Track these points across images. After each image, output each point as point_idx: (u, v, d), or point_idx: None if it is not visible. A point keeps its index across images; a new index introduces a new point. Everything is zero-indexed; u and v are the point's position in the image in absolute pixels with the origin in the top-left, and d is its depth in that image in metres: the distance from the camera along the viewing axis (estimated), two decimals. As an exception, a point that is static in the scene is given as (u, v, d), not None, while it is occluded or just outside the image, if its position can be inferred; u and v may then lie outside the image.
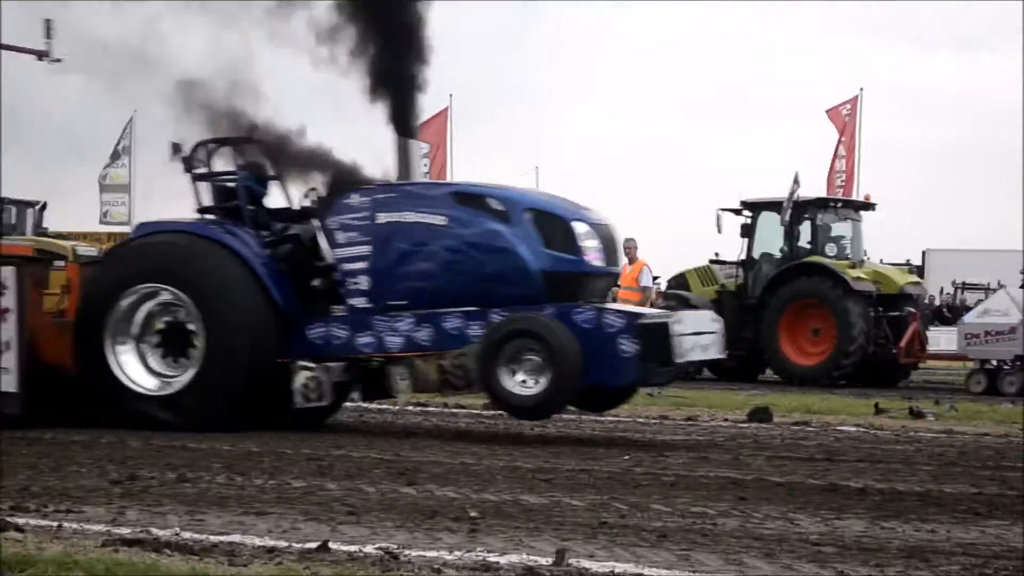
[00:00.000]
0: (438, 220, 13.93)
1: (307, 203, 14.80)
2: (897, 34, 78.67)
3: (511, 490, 10.13)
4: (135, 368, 14.24)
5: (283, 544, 7.70)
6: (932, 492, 10.44)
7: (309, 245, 14.51)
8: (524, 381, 13.19)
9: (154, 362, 14.27)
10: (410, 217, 14.03)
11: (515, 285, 13.70)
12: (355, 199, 14.22)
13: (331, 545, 7.61)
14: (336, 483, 10.34)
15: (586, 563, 7.26)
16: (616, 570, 7.15)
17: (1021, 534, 8.56)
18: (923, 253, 42.48)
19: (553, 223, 13.87)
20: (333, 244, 14.29)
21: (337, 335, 14.05)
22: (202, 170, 14.85)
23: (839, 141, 35.23)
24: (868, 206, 27.84)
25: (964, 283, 36.47)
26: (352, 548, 7.60)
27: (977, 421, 15.77)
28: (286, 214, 14.91)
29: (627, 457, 12.39)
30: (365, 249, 14.12)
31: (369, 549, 7.57)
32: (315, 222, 14.53)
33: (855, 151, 35.21)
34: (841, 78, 75.76)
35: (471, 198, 14.10)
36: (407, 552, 7.49)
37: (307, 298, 14.23)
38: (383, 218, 14.11)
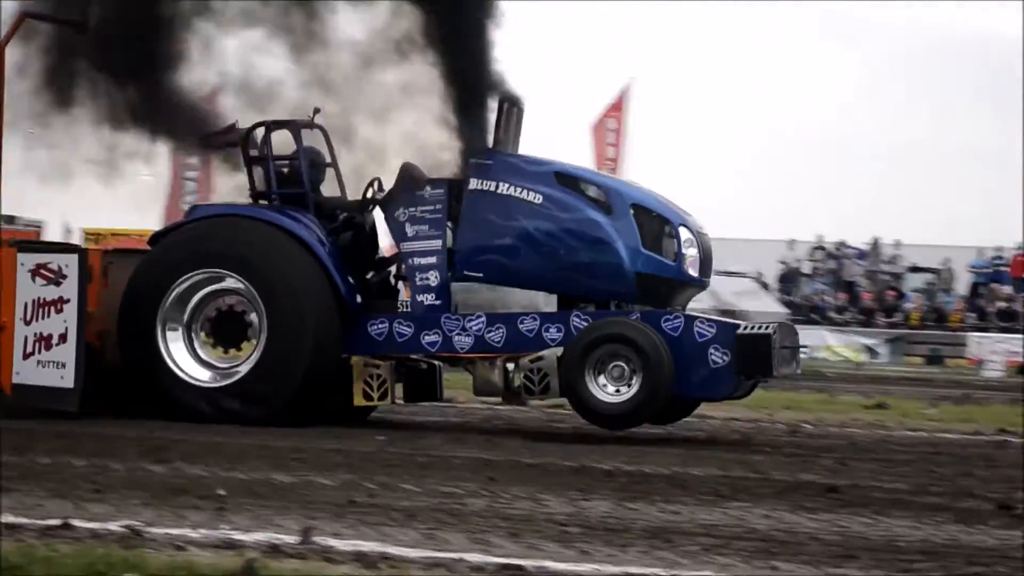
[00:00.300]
0: (533, 197, 13.35)
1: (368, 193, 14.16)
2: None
3: (261, 469, 10.05)
4: (186, 359, 13.55)
5: (25, 521, 7.50)
6: (679, 474, 10.66)
7: (369, 237, 14.17)
8: (612, 388, 12.70)
9: (204, 353, 13.62)
10: (504, 189, 13.41)
11: (605, 281, 13.22)
12: (429, 192, 13.60)
13: (74, 522, 7.44)
14: (84, 460, 10.13)
15: (332, 541, 7.22)
16: (361, 548, 7.13)
17: (762, 515, 8.79)
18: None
19: (657, 224, 13.36)
20: (401, 237, 13.68)
21: (401, 332, 13.38)
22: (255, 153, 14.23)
23: (604, 127, 35.52)
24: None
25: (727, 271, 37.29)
26: (95, 525, 7.44)
27: (729, 405, 16.15)
28: (344, 203, 14.29)
29: (382, 438, 12.39)
30: (436, 244, 13.50)
31: (112, 526, 7.41)
32: (377, 213, 14.01)
33: (621, 138, 35.53)
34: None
35: (573, 181, 13.55)
36: (151, 529, 7.36)
37: (362, 292, 13.71)
38: (474, 184, 13.50)
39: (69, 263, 13.05)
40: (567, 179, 13.43)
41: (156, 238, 14.21)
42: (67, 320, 12.96)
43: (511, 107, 13.67)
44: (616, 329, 12.73)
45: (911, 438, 14.66)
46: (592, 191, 13.37)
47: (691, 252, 13.28)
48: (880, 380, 27.92)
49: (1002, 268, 39.21)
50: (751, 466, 11.20)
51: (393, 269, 14.24)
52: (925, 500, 9.66)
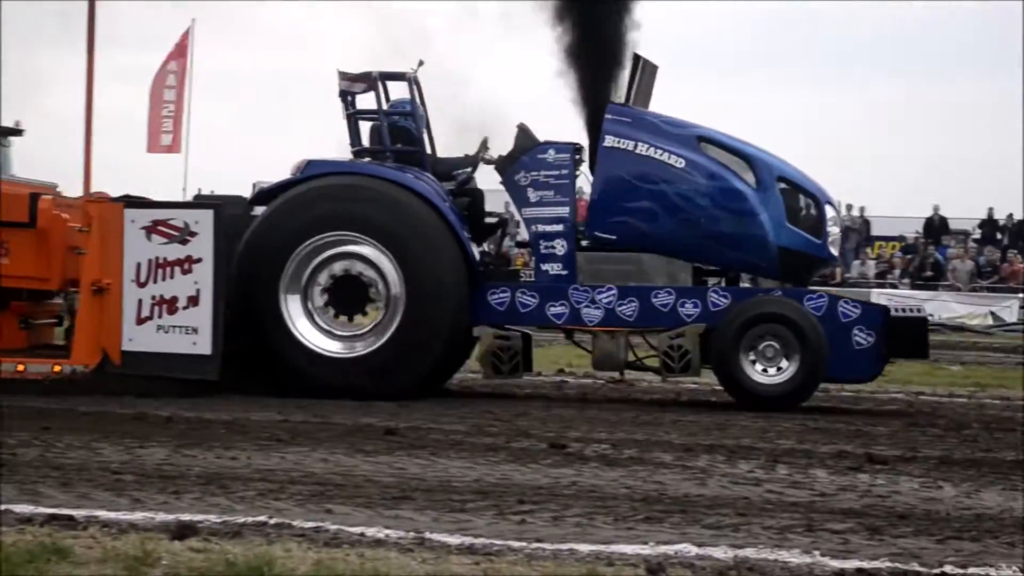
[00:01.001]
0: (675, 161, 12.57)
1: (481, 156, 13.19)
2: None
3: None
4: (310, 329, 12.36)
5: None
6: (239, 420, 10.55)
7: (481, 202, 13.21)
8: (762, 368, 12.15)
9: (323, 321, 12.41)
10: (642, 149, 12.60)
11: (747, 253, 12.65)
12: (553, 155, 12.70)
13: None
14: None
15: None
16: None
17: (320, 459, 8.80)
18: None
19: (802, 199, 12.84)
20: (523, 202, 12.80)
21: (524, 302, 12.54)
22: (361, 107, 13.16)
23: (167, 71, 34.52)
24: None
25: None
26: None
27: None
28: (458, 162, 13.29)
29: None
30: (563, 211, 12.67)
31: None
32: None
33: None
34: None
35: (720, 148, 12.81)
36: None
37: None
38: (610, 141, 12.62)
39: (200, 219, 11.86)
40: (712, 144, 12.85)
41: (264, 197, 13.07)
42: (198, 281, 11.77)
43: (646, 64, 13.03)
44: (774, 308, 12.26)
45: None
46: (740, 160, 12.78)
47: (834, 231, 13.00)
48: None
49: None
50: (311, 410, 11.18)
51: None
52: (481, 441, 9.86)
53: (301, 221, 12.40)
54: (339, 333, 12.42)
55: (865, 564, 6.28)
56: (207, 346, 11.75)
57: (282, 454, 8.99)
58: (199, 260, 11.78)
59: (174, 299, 11.78)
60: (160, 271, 11.79)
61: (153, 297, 11.80)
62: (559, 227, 12.64)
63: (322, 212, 12.38)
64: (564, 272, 12.65)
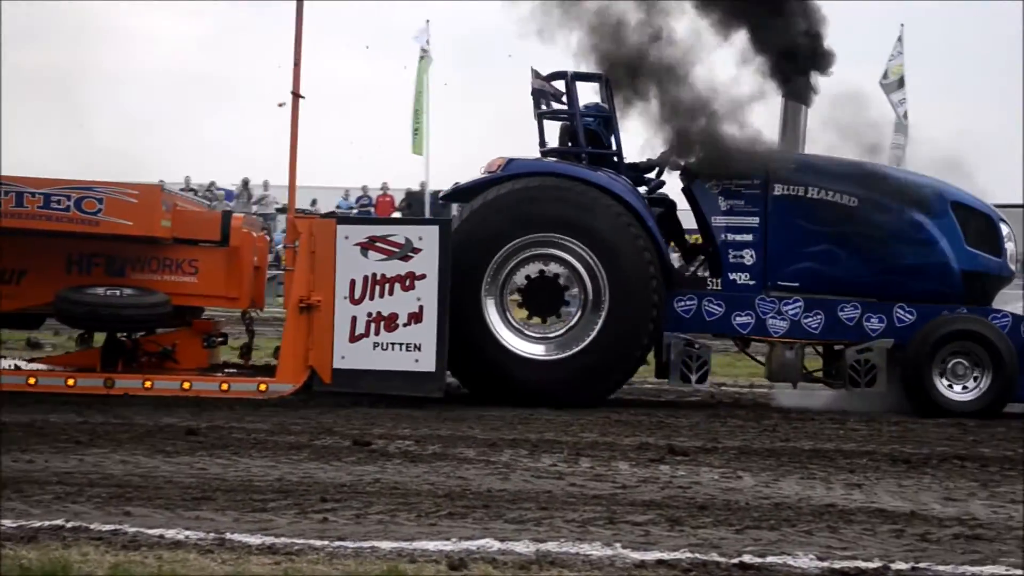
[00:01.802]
0: (847, 200, 12.41)
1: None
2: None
3: None
4: (508, 333, 12.17)
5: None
6: (38, 422, 10.30)
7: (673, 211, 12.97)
8: (954, 386, 12.14)
9: (517, 323, 12.23)
10: (813, 192, 12.44)
11: (931, 281, 12.47)
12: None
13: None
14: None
15: None
16: None
17: (119, 461, 8.64)
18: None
19: (978, 220, 12.67)
20: (712, 210, 12.52)
21: (711, 311, 12.36)
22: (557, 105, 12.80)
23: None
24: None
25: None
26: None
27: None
28: (650, 165, 13.11)
29: None
30: (753, 220, 12.45)
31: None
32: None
33: None
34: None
35: (885, 181, 12.57)
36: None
37: None
38: (779, 190, 12.43)
39: (424, 235, 11.61)
40: (879, 179, 12.70)
41: (457, 195, 12.92)
42: (421, 297, 11.50)
43: (796, 104, 12.94)
44: (968, 326, 12.22)
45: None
46: (911, 191, 12.65)
47: (1010, 247, 12.92)
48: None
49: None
50: (111, 412, 10.96)
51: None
52: (284, 439, 9.77)
53: (505, 221, 12.28)
54: (532, 335, 12.30)
55: (665, 555, 6.38)
56: (431, 363, 11.58)
57: (81, 456, 8.81)
58: (422, 276, 11.63)
59: (393, 316, 11.62)
60: (378, 288, 11.64)
61: (369, 314, 11.63)
62: (748, 236, 12.65)
63: (526, 213, 12.27)
64: (752, 282, 12.65)
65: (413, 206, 32.19)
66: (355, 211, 33.43)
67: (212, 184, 38.17)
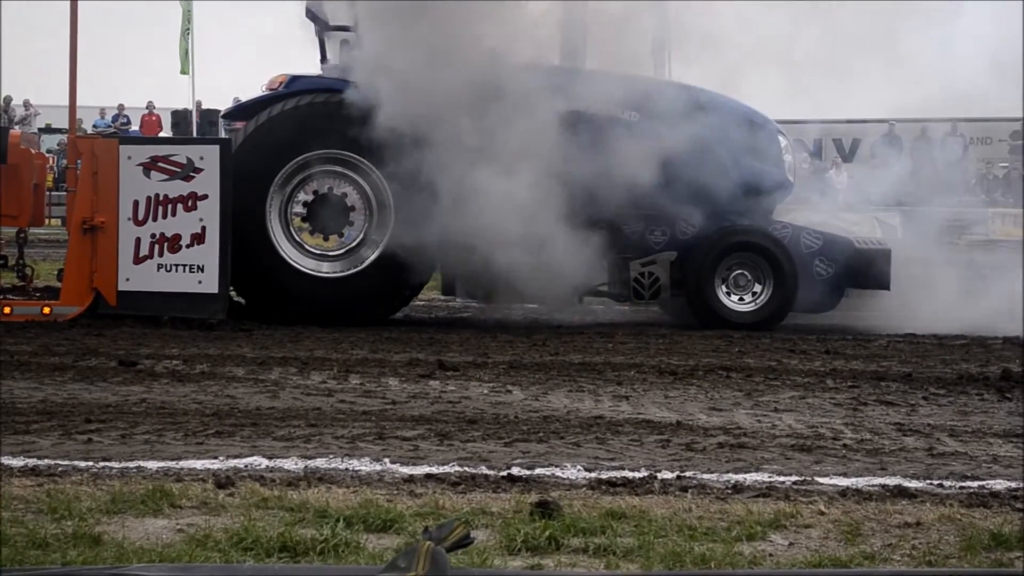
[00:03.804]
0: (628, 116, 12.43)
1: None
2: None
3: None
4: (290, 248, 12.00)
5: None
6: None
7: None
8: (737, 297, 12.25)
9: (302, 239, 11.99)
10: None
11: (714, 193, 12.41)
12: None
13: None
14: None
15: None
16: None
17: None
18: None
19: (757, 133, 12.85)
20: None
21: None
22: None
23: None
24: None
25: None
26: None
27: None
28: None
29: None
30: None
31: None
32: None
33: None
34: None
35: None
36: None
37: None
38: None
39: (205, 155, 11.18)
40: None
41: (238, 113, 12.62)
42: (204, 218, 11.09)
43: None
44: (749, 237, 12.35)
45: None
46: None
47: (788, 159, 13.18)
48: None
49: None
50: None
51: None
52: (48, 360, 9.52)
53: (289, 137, 12.03)
54: (314, 251, 12.12)
55: (434, 469, 6.39)
56: (214, 284, 11.35)
57: None
58: (204, 196, 11.31)
59: (176, 236, 11.32)
60: (160, 208, 11.30)
61: (153, 235, 11.29)
62: None
63: (310, 128, 12.04)
64: None
65: (180, 126, 31.61)
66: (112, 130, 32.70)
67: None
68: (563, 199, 11.93)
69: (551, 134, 11.96)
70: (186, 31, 32.21)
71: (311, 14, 12.94)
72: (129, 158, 11.47)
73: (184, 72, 32.41)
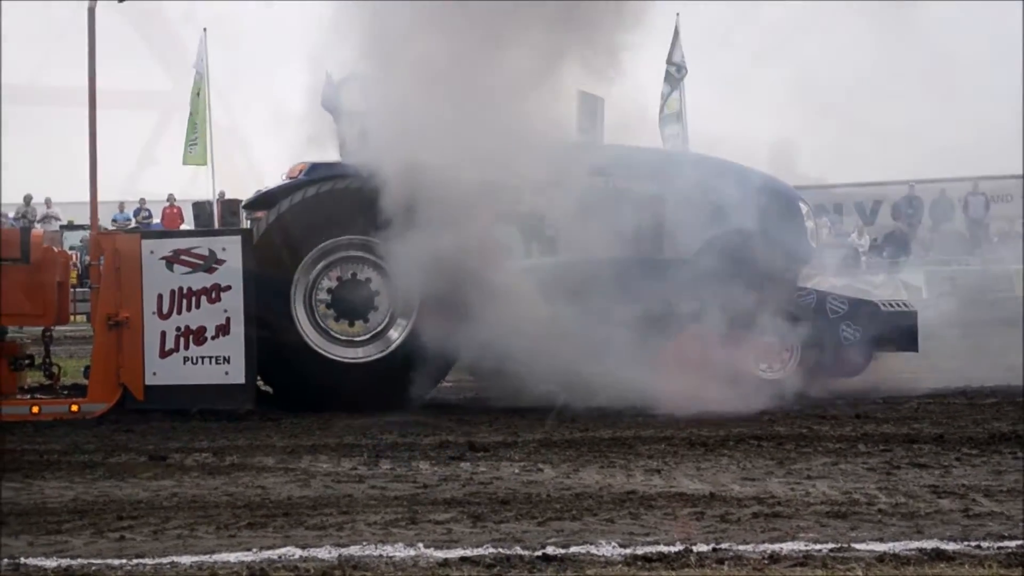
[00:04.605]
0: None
1: None
2: None
3: None
4: (314, 333, 12.09)
5: None
6: None
7: None
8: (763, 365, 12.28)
9: (327, 325, 12.01)
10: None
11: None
12: None
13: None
14: None
15: None
16: None
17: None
18: None
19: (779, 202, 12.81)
20: None
21: None
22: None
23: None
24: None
25: None
26: None
27: None
28: None
29: None
30: None
31: None
32: None
33: None
34: None
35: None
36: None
37: None
38: None
39: (227, 246, 11.32)
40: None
41: (259, 202, 12.47)
42: (228, 309, 11.23)
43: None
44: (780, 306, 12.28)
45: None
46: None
47: (810, 225, 13.11)
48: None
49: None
50: None
51: None
52: (78, 459, 9.53)
53: (310, 225, 12.13)
54: (341, 338, 12.11)
55: (469, 552, 6.36)
56: (240, 375, 11.42)
57: None
58: (227, 288, 11.42)
59: (201, 329, 11.40)
60: (185, 301, 11.40)
61: (178, 328, 11.38)
62: None
63: (329, 216, 12.14)
64: None
65: (201, 217, 31.65)
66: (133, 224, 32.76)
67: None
68: (588, 280, 11.89)
69: (571, 212, 11.96)
70: (195, 122, 31.94)
71: (328, 103, 12.97)
72: (152, 252, 11.53)
73: (199, 162, 32.27)
